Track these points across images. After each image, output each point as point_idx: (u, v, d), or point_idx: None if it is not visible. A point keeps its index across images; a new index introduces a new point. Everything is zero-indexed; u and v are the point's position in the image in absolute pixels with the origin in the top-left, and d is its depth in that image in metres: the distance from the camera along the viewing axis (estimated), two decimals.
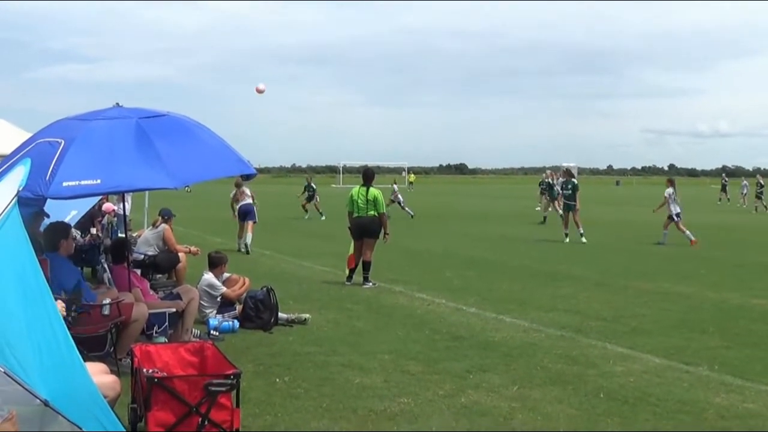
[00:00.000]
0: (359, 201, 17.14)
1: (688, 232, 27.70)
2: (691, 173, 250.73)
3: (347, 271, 17.32)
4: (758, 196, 55.15)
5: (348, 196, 17.67)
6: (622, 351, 11.10)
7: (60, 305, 8.50)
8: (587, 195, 67.81)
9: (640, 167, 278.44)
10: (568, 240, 28.27)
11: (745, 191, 59.14)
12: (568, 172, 31.17)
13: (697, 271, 20.19)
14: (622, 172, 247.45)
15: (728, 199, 65.04)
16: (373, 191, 17.11)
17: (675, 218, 28.29)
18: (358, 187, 17.49)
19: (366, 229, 17.15)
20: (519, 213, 46.26)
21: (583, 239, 28.19)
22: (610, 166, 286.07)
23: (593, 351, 11.08)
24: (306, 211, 40.18)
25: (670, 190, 28.69)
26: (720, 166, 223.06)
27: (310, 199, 40.05)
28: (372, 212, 17.04)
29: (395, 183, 47.06)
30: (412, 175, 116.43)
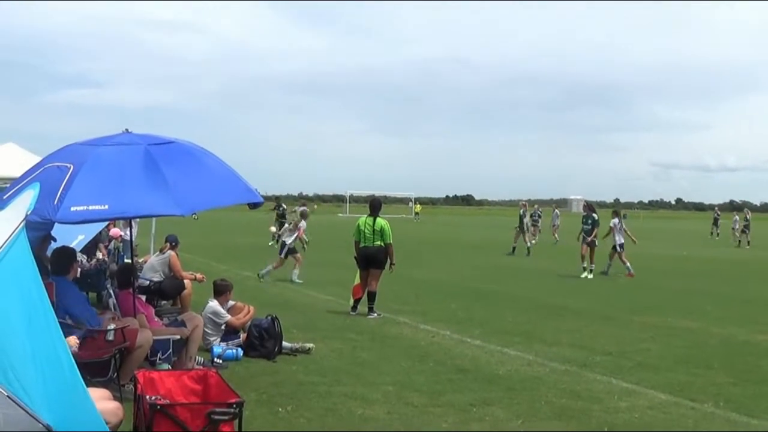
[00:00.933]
0: (366, 231, 17.22)
1: (629, 263, 28.07)
2: (699, 207, 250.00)
3: (352, 301, 17.32)
4: (744, 231, 55.28)
5: (355, 226, 17.76)
6: (627, 386, 11.06)
7: (73, 341, 8.53)
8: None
9: (647, 201, 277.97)
10: (586, 275, 27.86)
11: (736, 226, 58.98)
12: (589, 207, 30.89)
13: (703, 305, 20.12)
14: (630, 205, 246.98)
15: (718, 233, 64.78)
16: (380, 221, 17.17)
17: (618, 249, 28.80)
18: (365, 216, 17.56)
19: (372, 258, 17.19)
20: (541, 246, 46.18)
21: (590, 275, 27.93)
22: (617, 200, 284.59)
23: (598, 386, 11.04)
24: (275, 238, 36.01)
25: (615, 220, 29.56)
26: (728, 200, 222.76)
27: (281, 224, 36.72)
28: (378, 242, 17.08)
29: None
30: (418, 206, 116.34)
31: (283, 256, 23.99)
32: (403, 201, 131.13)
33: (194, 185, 9.06)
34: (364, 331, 14.97)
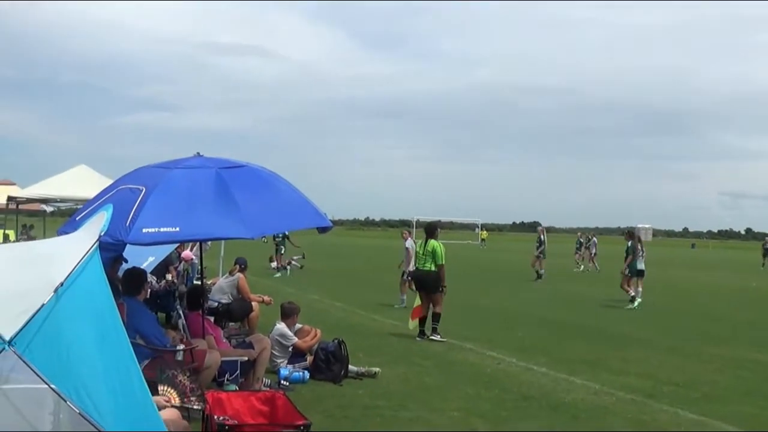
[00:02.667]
0: (420, 252, 17.62)
1: (632, 291, 27.01)
2: None
3: (412, 325, 17.37)
4: None
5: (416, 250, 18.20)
6: (694, 417, 10.91)
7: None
8: (662, 258, 67.10)
9: (716, 230, 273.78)
10: (632, 305, 26.55)
11: None
12: (629, 234, 30.15)
13: None
14: (698, 234, 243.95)
15: (763, 264, 62.38)
16: (433, 243, 17.39)
17: (626, 273, 27.98)
18: (421, 240, 17.89)
19: (422, 282, 17.50)
20: (590, 273, 45.83)
21: (630, 305, 26.54)
22: (685, 229, 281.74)
23: (664, 416, 10.91)
24: (278, 268, 36.70)
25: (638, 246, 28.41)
26: None
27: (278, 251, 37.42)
28: (429, 265, 17.28)
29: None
30: (485, 232, 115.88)
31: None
32: (469, 227, 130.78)
33: (264, 209, 9.17)
34: (429, 356, 14.95)
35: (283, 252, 37.48)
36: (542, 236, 39.08)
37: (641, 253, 28.14)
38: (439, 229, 18.27)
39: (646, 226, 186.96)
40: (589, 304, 27.26)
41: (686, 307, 27.59)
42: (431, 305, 17.30)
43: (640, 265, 27.77)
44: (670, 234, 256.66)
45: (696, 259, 78.97)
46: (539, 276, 37.50)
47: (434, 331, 17.06)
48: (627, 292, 27.29)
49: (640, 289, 27.59)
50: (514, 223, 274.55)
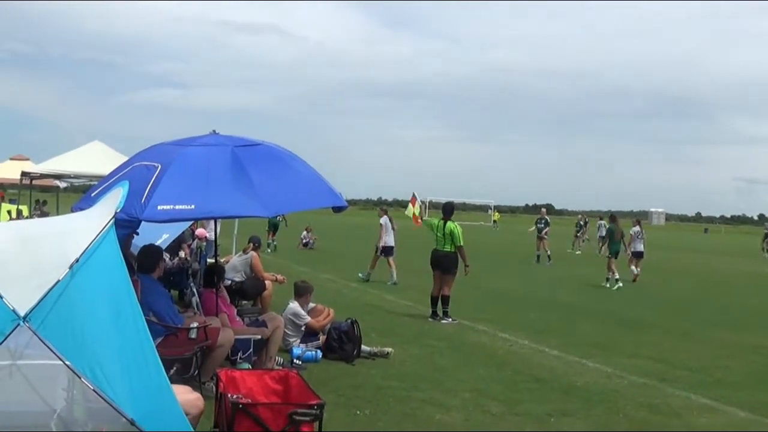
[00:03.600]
0: (438, 234, 17.49)
1: (617, 275, 27.46)
2: None
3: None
4: None
5: (429, 221, 18.50)
6: (707, 402, 10.89)
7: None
8: (674, 242, 66.88)
9: (729, 216, 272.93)
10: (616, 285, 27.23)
11: None
12: (612, 217, 31.03)
13: None
14: (711, 219, 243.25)
15: (763, 248, 60.64)
16: (450, 225, 17.34)
17: (633, 255, 29.69)
18: (438, 219, 17.84)
19: (439, 263, 17.42)
20: (594, 255, 45.68)
21: (608, 285, 27.48)
22: (698, 213, 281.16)
23: (677, 401, 10.89)
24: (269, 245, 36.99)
25: (636, 228, 30.39)
26: None
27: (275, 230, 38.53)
28: (448, 247, 17.21)
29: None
30: (497, 214, 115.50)
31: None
32: (482, 208, 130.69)
33: (279, 188, 9.14)
34: (442, 337, 14.95)
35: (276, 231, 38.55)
36: (545, 218, 39.40)
37: (641, 234, 29.92)
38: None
39: (659, 210, 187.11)
40: (598, 288, 27.20)
41: (698, 292, 27.57)
42: (442, 286, 17.30)
43: (639, 247, 29.82)
44: (682, 218, 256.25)
45: (709, 245, 78.75)
46: (548, 258, 37.69)
47: (445, 314, 17.09)
48: (613, 273, 27.67)
49: (638, 269, 29.42)
50: (527, 205, 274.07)
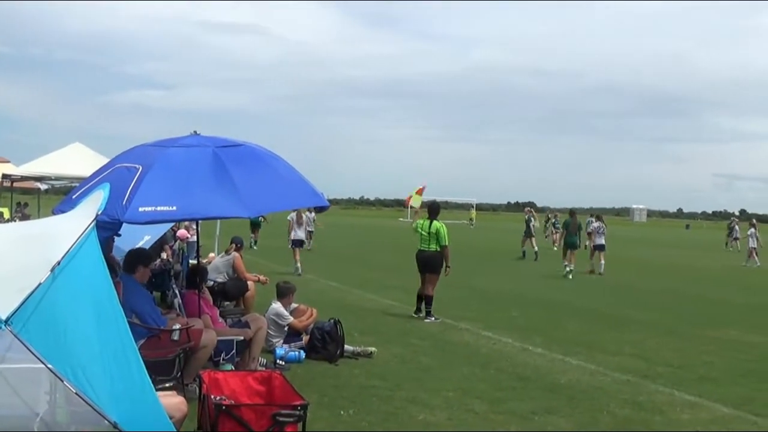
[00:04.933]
0: (423, 233, 17.41)
1: (572, 266, 29.97)
2: (762, 219, 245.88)
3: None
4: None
5: (414, 226, 18.12)
6: (690, 399, 10.92)
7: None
8: (657, 238, 67.06)
9: (710, 212, 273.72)
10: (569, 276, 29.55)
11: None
12: (571, 212, 33.08)
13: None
14: (693, 215, 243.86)
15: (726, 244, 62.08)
16: (436, 224, 17.35)
17: (576, 247, 31.34)
18: (422, 219, 17.73)
19: (427, 263, 17.39)
20: (585, 253, 45.87)
21: (568, 275, 29.58)
22: (680, 210, 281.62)
23: (660, 397, 10.92)
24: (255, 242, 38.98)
25: (596, 224, 32.32)
26: None
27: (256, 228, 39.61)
28: (434, 246, 17.19)
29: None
30: (473, 212, 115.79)
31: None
32: (465, 207, 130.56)
33: (261, 188, 9.13)
34: (425, 336, 14.95)
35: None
36: (528, 216, 40.60)
37: (602, 229, 31.94)
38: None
39: (641, 206, 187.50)
40: (580, 284, 27.30)
41: (681, 289, 27.61)
42: (425, 286, 17.33)
43: (601, 241, 31.72)
44: (664, 215, 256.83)
45: (691, 241, 78.97)
46: (530, 255, 38.62)
47: (428, 314, 17.07)
48: (566, 265, 29.98)
49: (602, 261, 31.43)
50: (509, 203, 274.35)
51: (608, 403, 10.42)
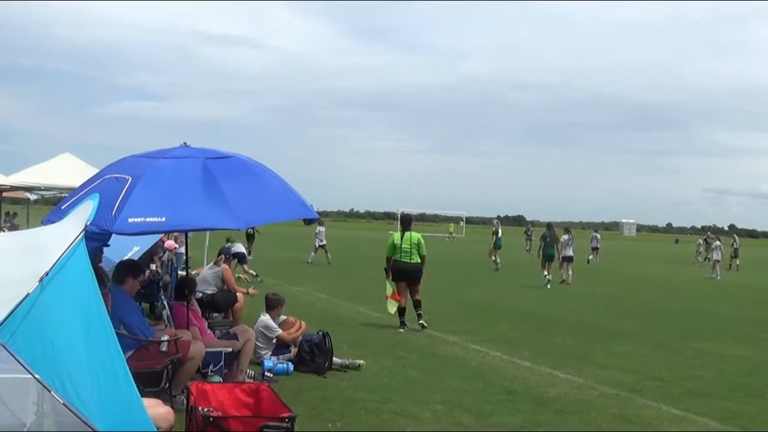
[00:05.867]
0: (404, 245, 17.57)
1: (549, 276, 31.47)
2: (752, 234, 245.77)
3: (393, 308, 17.42)
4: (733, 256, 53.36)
5: (390, 242, 18.12)
6: (678, 413, 10.92)
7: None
8: (646, 252, 67.10)
9: (699, 226, 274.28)
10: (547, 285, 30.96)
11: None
12: (548, 225, 34.60)
13: (756, 334, 19.85)
14: (682, 230, 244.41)
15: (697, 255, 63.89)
16: (415, 235, 17.70)
17: (553, 258, 32.72)
18: (397, 233, 18.05)
19: (409, 274, 17.60)
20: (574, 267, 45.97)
21: (547, 285, 30.94)
22: (669, 224, 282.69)
23: (648, 412, 10.92)
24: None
25: (566, 236, 33.83)
26: None
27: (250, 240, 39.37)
28: (415, 258, 17.48)
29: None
30: (452, 225, 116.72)
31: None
32: (453, 220, 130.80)
33: (251, 200, 9.16)
34: (414, 349, 14.95)
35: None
36: (495, 228, 42.04)
37: (570, 241, 33.66)
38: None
39: (630, 221, 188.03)
40: (573, 298, 27.34)
41: (670, 303, 27.66)
42: (411, 295, 17.61)
43: (569, 252, 33.44)
44: (653, 229, 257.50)
45: (680, 255, 79.06)
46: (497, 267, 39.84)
47: (419, 317, 17.39)
48: (545, 275, 31.48)
49: (570, 272, 33.26)
50: (498, 216, 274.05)
51: (596, 417, 10.42)
